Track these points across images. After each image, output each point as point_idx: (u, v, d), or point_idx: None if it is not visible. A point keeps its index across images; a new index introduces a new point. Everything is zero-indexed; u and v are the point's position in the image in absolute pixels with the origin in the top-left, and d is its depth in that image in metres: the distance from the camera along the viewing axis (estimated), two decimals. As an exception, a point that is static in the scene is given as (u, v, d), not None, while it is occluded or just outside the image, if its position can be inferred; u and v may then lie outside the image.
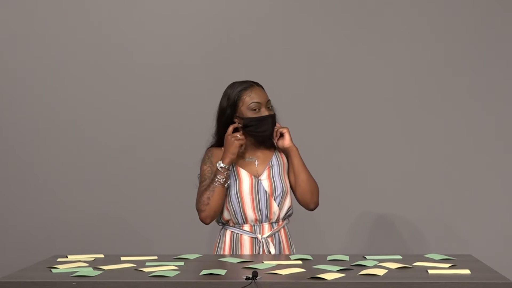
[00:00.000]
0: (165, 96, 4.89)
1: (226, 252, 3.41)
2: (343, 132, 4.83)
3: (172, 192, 4.87)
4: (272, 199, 3.38)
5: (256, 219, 3.38)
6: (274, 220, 3.40)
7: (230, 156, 3.35)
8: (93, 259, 3.12)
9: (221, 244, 3.44)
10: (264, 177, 3.41)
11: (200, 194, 3.43)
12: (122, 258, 3.12)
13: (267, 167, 3.43)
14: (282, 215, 3.41)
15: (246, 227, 3.40)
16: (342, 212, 4.80)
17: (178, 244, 4.76)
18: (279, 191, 3.40)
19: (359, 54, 4.83)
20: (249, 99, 3.39)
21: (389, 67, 4.83)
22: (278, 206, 3.39)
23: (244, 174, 3.41)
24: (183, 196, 4.85)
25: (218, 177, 3.35)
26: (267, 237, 3.37)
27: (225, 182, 3.36)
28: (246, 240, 3.39)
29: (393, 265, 2.87)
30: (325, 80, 4.85)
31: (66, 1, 4.90)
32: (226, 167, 3.35)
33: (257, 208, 3.37)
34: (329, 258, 3.08)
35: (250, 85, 3.44)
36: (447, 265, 2.89)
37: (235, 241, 3.40)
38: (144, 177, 4.88)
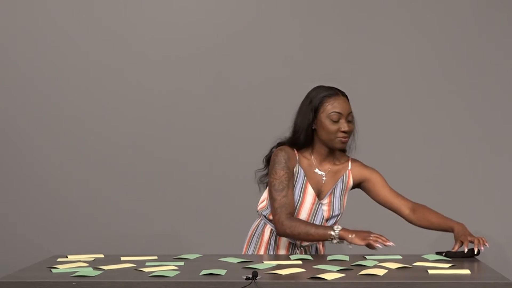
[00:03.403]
0: (167, 95, 4.89)
1: (263, 248, 3.35)
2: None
3: (173, 192, 4.87)
4: (326, 222, 3.35)
5: None
6: None
7: (347, 238, 3.13)
8: (93, 259, 3.12)
9: (258, 238, 3.38)
10: (325, 201, 3.34)
11: (284, 216, 3.20)
12: (122, 258, 3.12)
13: (331, 191, 3.35)
14: None
15: None
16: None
17: (178, 244, 4.76)
18: (335, 213, 3.36)
19: (352, 55, 4.84)
20: (331, 107, 3.27)
21: (382, 67, 4.84)
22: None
23: (308, 193, 3.31)
24: (184, 196, 4.86)
25: (326, 237, 3.18)
26: (306, 246, 3.34)
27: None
28: (284, 241, 3.34)
29: (393, 265, 2.87)
30: (317, 80, 4.85)
31: None
32: (338, 239, 3.17)
33: None
34: (329, 258, 3.08)
35: (335, 93, 3.31)
36: (447, 265, 2.90)
37: (273, 240, 3.35)
38: (144, 177, 4.88)
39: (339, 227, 3.18)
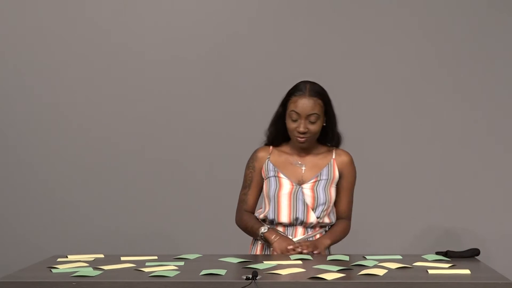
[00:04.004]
0: (167, 96, 4.89)
1: (258, 251, 3.38)
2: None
3: (173, 192, 4.87)
4: (310, 209, 3.32)
5: (290, 223, 3.33)
6: (310, 226, 3.34)
7: (270, 239, 3.27)
8: (93, 259, 3.12)
9: (255, 243, 3.41)
10: (307, 187, 3.34)
11: (240, 210, 3.45)
12: (122, 258, 3.12)
13: (315, 179, 3.36)
14: (320, 224, 3.36)
15: (280, 228, 3.35)
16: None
17: (178, 244, 4.76)
18: (321, 201, 3.33)
19: (352, 54, 4.84)
20: (293, 106, 3.30)
21: (382, 67, 4.84)
22: (317, 217, 3.33)
23: (284, 181, 3.35)
24: (184, 196, 4.86)
25: (256, 235, 3.35)
26: (298, 240, 3.31)
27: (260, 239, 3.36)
28: None
29: (393, 265, 2.87)
30: (316, 80, 4.85)
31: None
32: (262, 239, 3.32)
33: (293, 215, 3.32)
34: (329, 258, 3.08)
35: (302, 92, 3.30)
36: (447, 265, 2.90)
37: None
38: (144, 177, 4.88)
39: (267, 228, 3.30)
